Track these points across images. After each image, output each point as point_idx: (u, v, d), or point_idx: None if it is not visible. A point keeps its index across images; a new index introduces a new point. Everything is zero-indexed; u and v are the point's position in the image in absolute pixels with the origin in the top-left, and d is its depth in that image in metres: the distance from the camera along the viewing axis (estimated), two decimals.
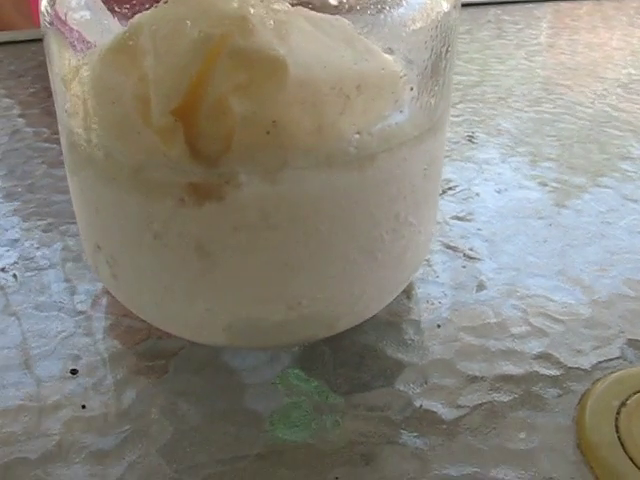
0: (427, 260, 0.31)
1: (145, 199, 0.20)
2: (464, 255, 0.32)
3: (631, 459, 0.22)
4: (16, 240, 0.32)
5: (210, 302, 0.22)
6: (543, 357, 0.26)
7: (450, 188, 0.37)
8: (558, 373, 0.25)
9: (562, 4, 0.75)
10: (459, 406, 0.24)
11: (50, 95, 0.23)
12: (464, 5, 0.70)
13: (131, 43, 0.19)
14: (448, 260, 0.31)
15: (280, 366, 0.25)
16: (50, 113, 0.23)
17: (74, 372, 0.25)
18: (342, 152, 0.20)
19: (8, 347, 0.26)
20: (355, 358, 0.26)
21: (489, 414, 0.24)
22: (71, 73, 0.21)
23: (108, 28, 0.20)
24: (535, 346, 0.26)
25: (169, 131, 0.19)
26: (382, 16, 0.20)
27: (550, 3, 0.75)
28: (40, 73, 0.52)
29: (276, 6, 0.19)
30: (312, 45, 0.19)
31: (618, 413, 0.23)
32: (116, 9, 0.20)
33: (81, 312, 0.28)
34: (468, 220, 0.34)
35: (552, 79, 0.54)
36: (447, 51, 0.22)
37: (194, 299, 0.22)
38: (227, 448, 0.23)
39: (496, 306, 0.28)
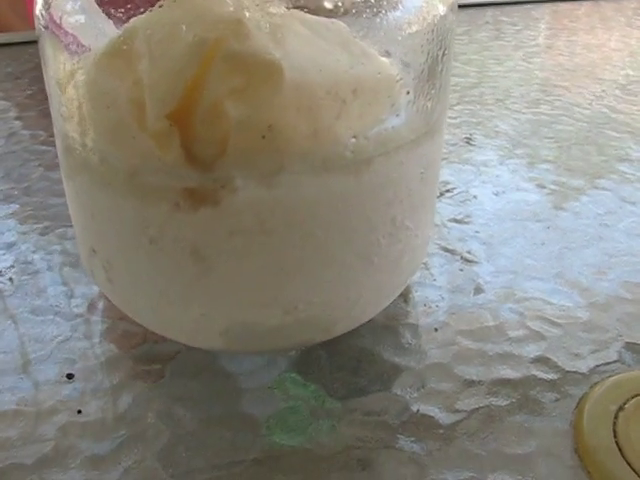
0: (424, 263, 0.31)
1: (140, 204, 0.20)
2: (461, 258, 0.31)
3: (629, 464, 0.22)
4: (12, 243, 0.32)
5: (206, 307, 0.22)
6: (541, 361, 0.26)
7: (448, 190, 0.37)
8: (556, 377, 0.25)
9: (560, 5, 0.75)
10: (456, 410, 0.24)
11: (47, 97, 0.23)
12: (462, 6, 0.70)
13: (126, 47, 0.19)
14: (445, 263, 0.31)
15: (277, 370, 0.25)
16: (47, 115, 0.23)
17: (70, 376, 0.25)
18: (338, 156, 0.19)
19: (4, 351, 0.26)
20: (352, 362, 0.26)
21: (486, 418, 0.24)
22: (66, 77, 0.21)
23: (103, 32, 0.20)
24: (533, 350, 0.26)
25: (164, 135, 0.19)
26: (378, 19, 0.20)
27: (548, 4, 0.75)
28: (37, 75, 0.52)
29: (272, 10, 0.19)
30: (308, 49, 0.19)
31: (616, 417, 0.23)
32: (111, 13, 0.20)
33: (77, 316, 0.28)
34: (466, 223, 0.34)
35: (550, 80, 0.54)
36: (444, 54, 0.22)
37: (190, 304, 0.22)
38: (223, 453, 0.22)
39: (494, 309, 0.28)
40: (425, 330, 0.27)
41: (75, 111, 0.21)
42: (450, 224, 0.34)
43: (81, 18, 0.20)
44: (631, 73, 0.55)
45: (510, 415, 0.24)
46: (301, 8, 0.20)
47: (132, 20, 0.19)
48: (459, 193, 0.37)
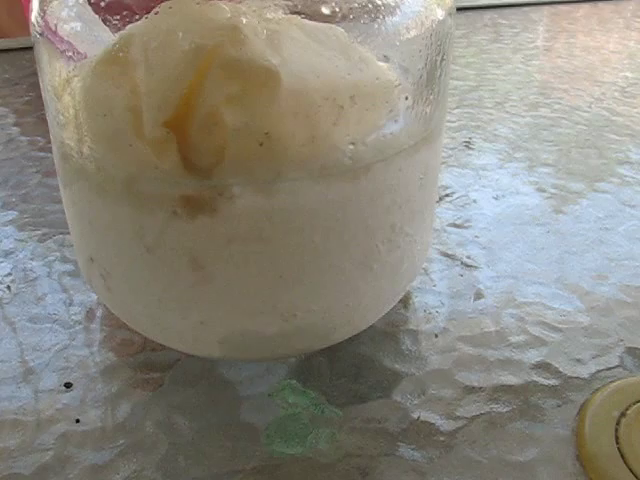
0: (424, 268, 0.31)
1: (138, 212, 0.20)
2: (461, 263, 0.31)
3: (631, 470, 0.21)
4: (10, 251, 0.32)
5: (204, 315, 0.21)
6: (542, 367, 0.26)
7: (447, 195, 0.37)
8: (557, 383, 0.25)
9: (559, 7, 0.75)
10: (457, 417, 0.24)
11: None
12: (460, 9, 0.70)
13: (122, 55, 0.19)
14: (445, 268, 0.31)
15: (276, 378, 0.25)
16: (45, 122, 0.23)
17: (68, 385, 0.25)
18: (336, 163, 0.19)
19: (2, 360, 0.26)
20: (352, 369, 0.26)
21: (487, 425, 0.23)
22: (62, 84, 0.21)
23: (99, 39, 0.20)
24: (534, 355, 0.26)
25: (161, 143, 0.18)
26: (376, 25, 0.20)
27: (546, 6, 0.75)
28: (35, 81, 0.52)
29: (269, 16, 0.19)
30: (305, 55, 0.19)
31: (618, 423, 0.23)
32: (107, 20, 0.20)
33: (76, 324, 0.28)
34: (465, 227, 0.34)
35: (549, 83, 0.53)
36: (442, 59, 0.22)
37: (188, 312, 0.21)
38: (223, 462, 0.22)
39: (494, 315, 0.28)
40: (425, 336, 0.27)
41: (71, 119, 0.20)
42: (450, 229, 0.34)
43: (77, 25, 0.20)
44: (630, 75, 0.55)
45: (511, 422, 0.24)
46: (298, 14, 0.19)
47: (128, 27, 0.19)
48: (458, 197, 0.37)
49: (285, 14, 0.19)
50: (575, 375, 0.25)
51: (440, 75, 0.22)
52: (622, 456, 0.22)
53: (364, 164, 0.20)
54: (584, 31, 0.67)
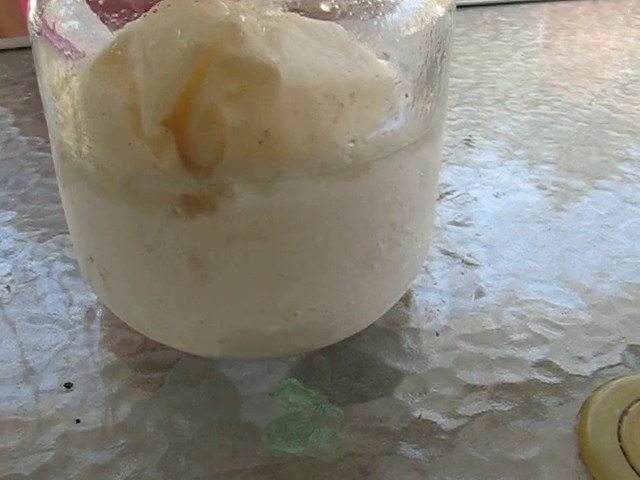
0: (425, 267, 0.31)
1: (137, 211, 0.20)
2: (462, 261, 0.31)
3: (634, 468, 0.21)
4: (10, 251, 0.32)
5: (205, 314, 0.21)
6: (543, 364, 0.26)
7: (447, 193, 0.37)
8: (559, 381, 0.25)
9: (559, 4, 0.74)
10: (459, 416, 0.24)
11: None
12: (460, 7, 0.70)
13: (120, 53, 0.18)
14: (446, 266, 0.31)
15: (277, 377, 0.25)
16: (44, 121, 0.23)
17: (68, 386, 0.25)
18: (336, 161, 0.19)
19: (2, 360, 0.26)
20: (353, 368, 0.25)
21: (489, 424, 0.23)
22: (60, 83, 0.20)
23: (98, 37, 0.20)
24: (535, 353, 0.26)
25: (160, 142, 0.18)
26: (376, 22, 0.20)
27: (546, 4, 0.75)
28: (34, 81, 0.52)
29: (268, 13, 0.19)
30: (305, 52, 0.19)
31: (620, 421, 0.23)
32: (106, 18, 0.20)
33: (76, 324, 0.28)
34: (466, 225, 0.34)
35: (549, 80, 0.53)
36: (442, 56, 0.22)
37: (188, 311, 0.21)
38: (224, 462, 0.22)
39: (495, 313, 0.28)
40: (426, 334, 0.27)
41: (70, 118, 0.20)
42: (450, 227, 0.34)
43: (75, 23, 0.20)
44: (630, 72, 0.55)
45: (513, 420, 0.23)
46: (298, 11, 0.19)
47: (127, 25, 0.19)
48: (459, 195, 0.37)
49: (284, 11, 0.19)
50: (577, 373, 0.25)
51: (440, 72, 0.22)
52: (624, 454, 0.22)
53: (364, 162, 0.20)
54: (584, 28, 0.67)
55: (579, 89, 0.51)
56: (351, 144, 0.19)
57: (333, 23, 0.20)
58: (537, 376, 0.25)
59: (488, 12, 0.71)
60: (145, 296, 0.22)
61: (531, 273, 0.30)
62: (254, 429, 0.23)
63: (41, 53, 0.21)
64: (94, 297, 0.29)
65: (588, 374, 0.25)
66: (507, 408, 0.24)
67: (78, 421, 0.24)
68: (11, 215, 0.35)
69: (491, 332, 0.27)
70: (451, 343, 0.27)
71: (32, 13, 0.21)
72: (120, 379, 0.25)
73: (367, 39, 0.20)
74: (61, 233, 0.33)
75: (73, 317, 0.28)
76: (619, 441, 0.22)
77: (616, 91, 0.51)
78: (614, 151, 0.42)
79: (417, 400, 0.24)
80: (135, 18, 0.19)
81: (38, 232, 0.33)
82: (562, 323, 0.28)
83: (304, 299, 0.21)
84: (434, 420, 0.23)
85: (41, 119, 0.46)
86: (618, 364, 0.26)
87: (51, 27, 0.20)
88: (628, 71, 0.55)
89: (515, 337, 0.27)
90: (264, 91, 0.18)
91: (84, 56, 0.20)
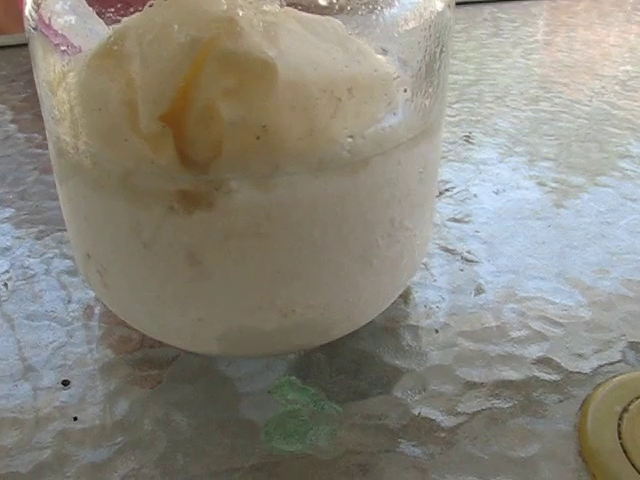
0: (424, 263, 0.30)
1: (134, 207, 0.20)
2: (462, 258, 0.31)
3: (634, 466, 0.21)
4: (7, 248, 0.32)
5: (202, 311, 0.21)
6: (543, 362, 0.25)
7: (447, 189, 0.37)
8: (559, 378, 0.25)
9: (558, 1, 0.74)
10: (458, 413, 0.24)
11: None
12: (460, 3, 0.70)
13: (117, 48, 0.18)
14: (446, 263, 0.31)
15: (275, 374, 0.25)
16: (42, 118, 0.23)
17: (66, 383, 0.25)
18: (334, 156, 0.19)
19: None
20: (352, 365, 0.25)
21: (489, 421, 0.23)
22: (57, 79, 0.20)
23: (94, 32, 0.19)
24: (535, 350, 0.26)
25: (157, 137, 0.18)
26: (374, 16, 0.20)
27: (547, 0, 0.74)
28: (32, 78, 0.51)
29: (265, 8, 0.19)
30: (302, 47, 0.19)
31: (620, 419, 0.23)
32: (102, 13, 0.20)
33: (74, 321, 0.27)
34: (466, 222, 0.34)
35: (549, 77, 0.53)
36: (441, 51, 0.22)
37: (186, 308, 0.21)
38: (222, 459, 0.22)
39: (495, 310, 0.28)
40: (426, 332, 0.27)
41: (67, 114, 0.20)
42: (450, 223, 0.34)
43: (71, 18, 0.20)
44: (630, 69, 0.55)
45: (513, 417, 0.23)
46: (295, 6, 0.19)
47: (123, 20, 0.19)
48: (459, 192, 0.37)
49: (282, 6, 0.19)
50: (577, 370, 0.25)
51: (439, 67, 0.22)
52: (625, 451, 0.22)
53: (363, 157, 0.20)
54: (584, 25, 0.66)
55: (579, 86, 0.51)
56: (349, 139, 0.19)
57: (331, 18, 0.19)
58: (537, 373, 0.25)
59: (488, 9, 0.71)
60: (142, 293, 0.22)
61: (531, 270, 0.30)
62: (252, 427, 0.23)
63: (37, 49, 0.21)
64: (92, 294, 0.29)
65: (588, 371, 0.25)
66: (507, 405, 0.24)
67: (76, 419, 0.23)
68: (9, 212, 0.35)
69: (491, 329, 0.27)
70: (450, 340, 0.26)
71: (28, 8, 0.21)
72: (118, 376, 0.25)
73: (365, 34, 0.20)
74: (59, 230, 0.33)
75: (71, 314, 0.28)
76: (619, 438, 0.22)
77: (616, 88, 0.51)
78: (614, 148, 0.42)
79: (416, 397, 0.24)
80: (131, 13, 0.19)
81: (36, 229, 0.33)
82: (562, 320, 0.27)
83: (302, 296, 0.21)
84: (433, 418, 0.23)
85: (39, 116, 0.45)
86: (618, 361, 0.26)
87: (47, 22, 0.20)
88: (628, 68, 0.55)
89: (515, 334, 0.27)
90: (261, 86, 0.18)
91: (80, 51, 0.20)
